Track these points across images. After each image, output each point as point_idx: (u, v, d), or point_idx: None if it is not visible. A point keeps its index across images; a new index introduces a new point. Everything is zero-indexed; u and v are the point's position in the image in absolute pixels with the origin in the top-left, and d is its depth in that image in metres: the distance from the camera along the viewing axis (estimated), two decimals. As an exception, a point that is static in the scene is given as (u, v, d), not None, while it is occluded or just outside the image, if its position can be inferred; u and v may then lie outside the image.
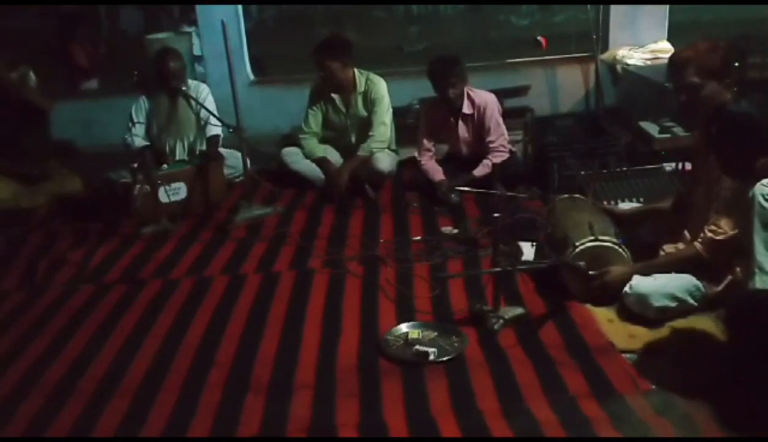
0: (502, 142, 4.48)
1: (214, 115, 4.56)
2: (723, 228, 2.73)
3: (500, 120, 4.51)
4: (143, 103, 4.73)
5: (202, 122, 4.71)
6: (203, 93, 4.68)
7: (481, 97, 4.49)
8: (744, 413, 2.26)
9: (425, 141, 4.56)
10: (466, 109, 4.46)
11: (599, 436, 2.19)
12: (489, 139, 4.44)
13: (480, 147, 4.52)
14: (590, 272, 2.89)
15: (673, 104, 3.09)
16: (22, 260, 3.91)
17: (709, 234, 2.75)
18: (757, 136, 2.39)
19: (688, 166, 3.75)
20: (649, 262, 2.94)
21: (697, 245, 2.79)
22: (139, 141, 4.65)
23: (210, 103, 4.66)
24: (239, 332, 2.99)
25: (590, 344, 2.69)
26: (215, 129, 4.68)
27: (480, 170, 4.38)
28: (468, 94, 4.46)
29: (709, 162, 2.81)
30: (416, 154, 4.60)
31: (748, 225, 2.36)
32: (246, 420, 2.41)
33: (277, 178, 4.80)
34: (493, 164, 4.31)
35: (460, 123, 4.52)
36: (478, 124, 4.49)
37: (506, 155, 4.46)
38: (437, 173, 4.47)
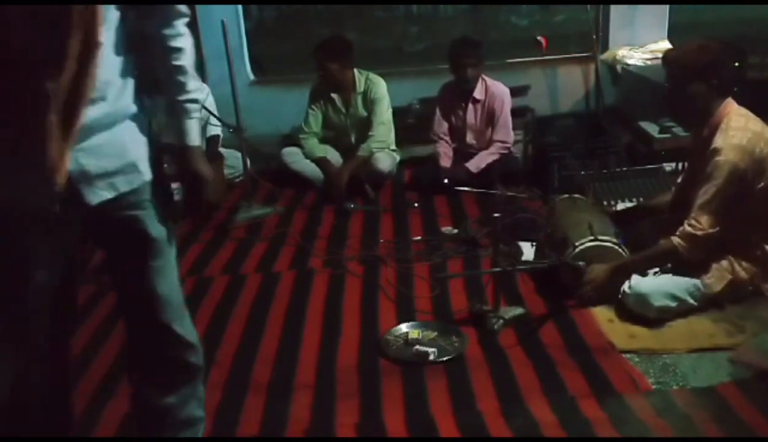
0: (502, 137, 4.55)
1: (214, 115, 4.55)
2: (703, 225, 2.73)
3: (509, 117, 4.59)
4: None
5: (202, 122, 4.70)
6: (203, 93, 4.68)
7: (496, 86, 4.58)
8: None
9: (441, 121, 4.67)
10: (478, 94, 4.52)
11: (599, 436, 2.19)
12: (495, 133, 4.54)
13: (484, 139, 4.61)
14: (576, 266, 2.88)
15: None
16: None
17: (689, 228, 2.75)
18: None
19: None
20: (628, 258, 2.93)
21: (675, 239, 2.77)
22: None
23: (210, 103, 4.66)
24: (239, 332, 2.99)
25: (590, 344, 2.69)
26: (215, 129, 4.68)
27: (474, 162, 4.47)
28: (484, 80, 4.55)
29: (704, 161, 2.81)
30: (433, 130, 4.70)
31: None
32: (246, 420, 2.41)
33: (277, 178, 4.80)
34: (491, 162, 4.46)
35: (470, 106, 4.58)
36: (488, 112, 4.56)
37: (500, 153, 4.53)
38: (445, 158, 4.59)
